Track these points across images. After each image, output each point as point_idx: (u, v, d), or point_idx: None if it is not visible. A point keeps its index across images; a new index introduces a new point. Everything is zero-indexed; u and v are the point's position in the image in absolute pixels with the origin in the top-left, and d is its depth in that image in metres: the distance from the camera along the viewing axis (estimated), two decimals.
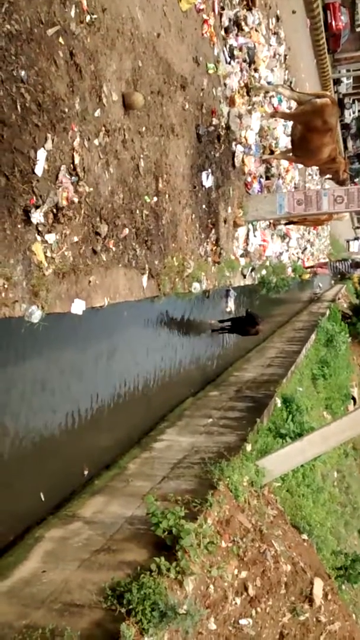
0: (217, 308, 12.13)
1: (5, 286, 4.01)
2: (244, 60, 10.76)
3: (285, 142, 13.31)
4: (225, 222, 9.80)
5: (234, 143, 10.14)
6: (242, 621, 6.05)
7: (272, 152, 12.82)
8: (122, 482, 7.18)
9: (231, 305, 12.36)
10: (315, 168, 15.23)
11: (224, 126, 9.56)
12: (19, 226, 4.21)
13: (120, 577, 5.00)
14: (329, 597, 7.27)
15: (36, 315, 4.35)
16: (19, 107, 4.15)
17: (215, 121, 9.04)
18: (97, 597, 4.82)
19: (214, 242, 9.21)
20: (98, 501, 6.62)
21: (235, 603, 6.11)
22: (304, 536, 8.30)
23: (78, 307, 5.04)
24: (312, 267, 20.27)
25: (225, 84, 9.68)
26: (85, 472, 6.96)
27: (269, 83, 11.99)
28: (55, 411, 6.50)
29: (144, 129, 6.40)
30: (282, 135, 13.35)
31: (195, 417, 9.92)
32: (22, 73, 4.17)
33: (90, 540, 5.83)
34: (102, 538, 5.86)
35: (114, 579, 4.95)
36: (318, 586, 7.18)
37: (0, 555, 5.46)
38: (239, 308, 12.87)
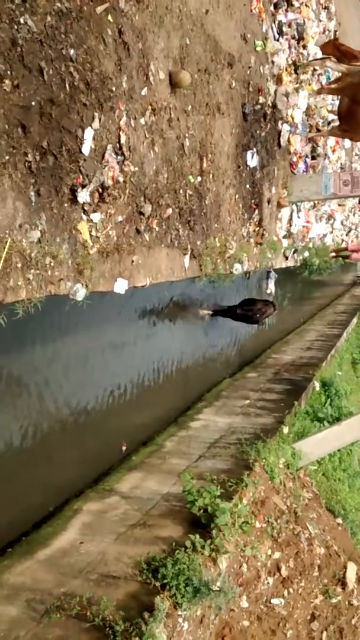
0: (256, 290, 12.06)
1: (52, 264, 4.08)
2: (293, 37, 10.51)
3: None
4: (269, 202, 9.68)
5: (280, 122, 9.96)
6: (274, 600, 6.12)
7: (318, 131, 12.55)
8: (159, 459, 7.28)
9: (272, 287, 12.26)
10: None
11: (271, 105, 9.39)
12: (66, 205, 4.26)
13: (155, 552, 5.11)
14: None
15: (80, 293, 4.41)
16: (67, 86, 4.17)
17: (261, 100, 8.89)
18: (133, 570, 4.94)
19: (257, 223, 9.13)
20: (135, 477, 6.74)
21: (268, 583, 6.17)
22: (339, 520, 8.29)
23: (121, 286, 5.08)
24: (340, 250, 17.23)
25: (272, 62, 9.49)
26: (123, 448, 7.09)
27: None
28: (95, 388, 6.62)
29: (189, 107, 6.35)
30: (330, 115, 13.04)
31: (232, 398, 9.96)
32: (71, 52, 4.19)
33: (127, 514, 5.96)
34: (138, 513, 5.99)
35: (150, 554, 5.06)
36: (351, 570, 7.18)
37: (40, 525, 5.64)
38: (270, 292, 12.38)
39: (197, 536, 5.26)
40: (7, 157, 3.63)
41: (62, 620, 4.30)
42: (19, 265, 3.78)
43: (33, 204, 3.90)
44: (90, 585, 4.78)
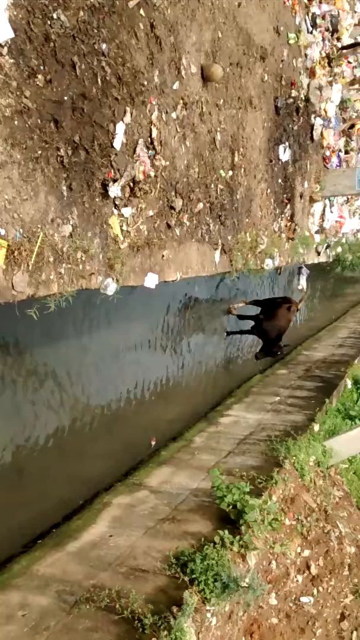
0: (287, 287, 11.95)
1: (83, 259, 4.10)
2: (327, 29, 10.34)
3: None
4: (301, 197, 9.58)
5: (313, 116, 9.83)
6: (303, 599, 6.07)
7: (352, 126, 12.35)
8: (188, 454, 7.29)
9: (303, 283, 12.13)
10: None
11: (304, 98, 9.28)
12: (97, 200, 4.27)
13: (184, 547, 5.11)
14: None
15: (111, 288, 4.42)
16: (99, 80, 4.18)
17: (294, 93, 8.79)
18: (162, 564, 4.95)
19: (288, 218, 9.04)
20: (164, 471, 6.76)
21: (297, 580, 6.12)
22: None
23: (151, 280, 5.08)
24: None
25: (306, 55, 9.36)
26: (153, 443, 7.11)
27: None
28: (125, 382, 6.64)
29: (221, 101, 6.31)
30: None
31: (262, 394, 9.90)
32: (104, 46, 4.19)
33: (156, 509, 5.98)
34: (167, 508, 6.00)
35: (178, 548, 5.06)
36: None
37: (70, 517, 5.69)
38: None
39: (226, 532, 5.25)
40: (39, 152, 3.65)
41: (92, 611, 4.34)
42: (51, 259, 3.80)
43: (65, 198, 3.92)
44: (119, 578, 4.81)
